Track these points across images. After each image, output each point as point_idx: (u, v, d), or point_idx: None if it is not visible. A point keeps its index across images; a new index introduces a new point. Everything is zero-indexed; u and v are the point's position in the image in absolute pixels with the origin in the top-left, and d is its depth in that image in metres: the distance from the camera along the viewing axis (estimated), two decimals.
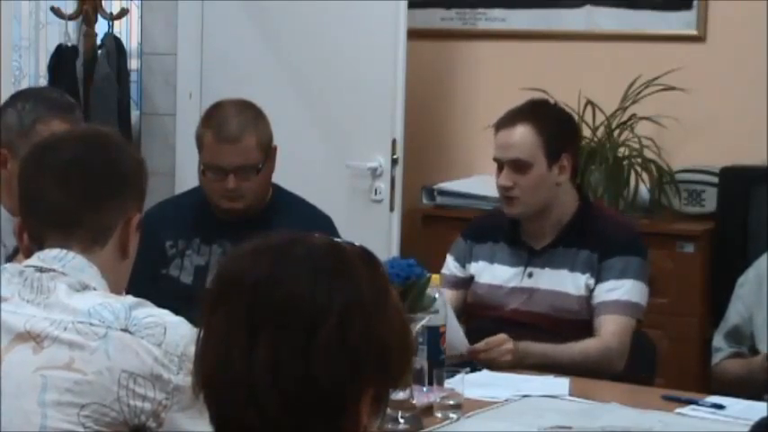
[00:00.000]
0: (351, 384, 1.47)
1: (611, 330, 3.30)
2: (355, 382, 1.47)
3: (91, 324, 1.92)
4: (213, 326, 1.49)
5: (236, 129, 3.41)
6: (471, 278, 3.53)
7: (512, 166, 3.37)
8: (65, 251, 2.02)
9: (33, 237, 2.07)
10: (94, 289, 2.01)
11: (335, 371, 1.45)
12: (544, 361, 3.22)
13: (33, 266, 2.02)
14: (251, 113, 3.48)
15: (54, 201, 2.06)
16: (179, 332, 1.94)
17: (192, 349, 1.86)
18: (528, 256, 3.45)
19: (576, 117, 4.73)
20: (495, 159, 3.43)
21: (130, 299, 1.99)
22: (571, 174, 3.44)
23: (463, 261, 3.55)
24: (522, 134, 3.36)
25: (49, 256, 2.02)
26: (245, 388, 1.45)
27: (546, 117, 3.42)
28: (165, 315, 1.97)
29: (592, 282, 3.36)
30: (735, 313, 3.33)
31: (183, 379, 1.90)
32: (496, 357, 3.20)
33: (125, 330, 1.92)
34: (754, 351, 3.26)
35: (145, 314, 1.95)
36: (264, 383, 1.44)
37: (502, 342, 3.21)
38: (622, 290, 3.33)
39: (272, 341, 1.45)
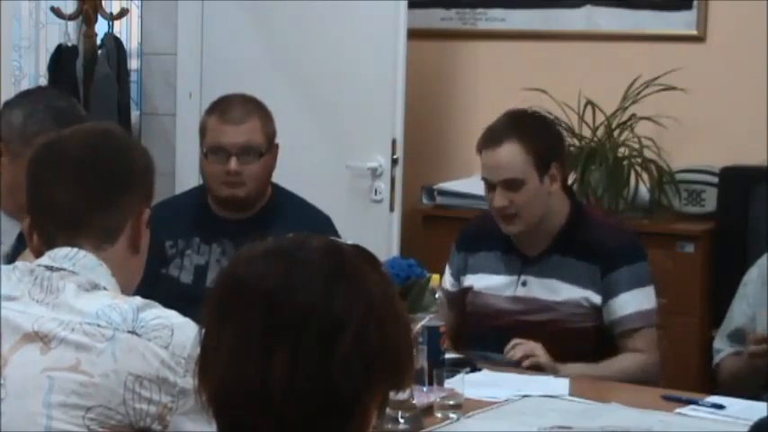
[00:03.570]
0: (366, 389, 1.47)
1: (643, 346, 3.32)
2: (370, 387, 1.47)
3: (98, 325, 1.91)
4: (223, 337, 1.47)
5: (240, 112, 3.48)
6: (467, 290, 3.51)
7: (504, 185, 3.32)
8: (75, 249, 2.01)
9: (44, 237, 2.07)
10: (104, 288, 2.00)
11: (353, 379, 1.44)
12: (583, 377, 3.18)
13: (44, 266, 2.01)
14: (256, 103, 3.54)
15: (63, 201, 2.05)
16: (185, 334, 1.93)
17: (197, 352, 1.88)
18: (522, 264, 3.42)
19: (576, 117, 4.74)
20: (485, 180, 3.39)
21: (138, 300, 1.98)
22: (561, 180, 3.42)
23: (458, 274, 3.54)
24: (509, 153, 3.30)
25: (60, 255, 2.01)
26: (259, 399, 1.44)
27: (530, 130, 3.35)
28: (173, 317, 1.97)
29: (597, 298, 3.33)
30: (739, 312, 3.32)
31: (189, 382, 1.88)
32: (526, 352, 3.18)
33: (132, 332, 1.91)
34: None
35: (152, 316, 1.94)
36: (280, 395, 1.43)
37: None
38: (638, 300, 3.33)
39: (289, 354, 1.43)
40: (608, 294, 3.33)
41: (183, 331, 1.94)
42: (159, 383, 1.90)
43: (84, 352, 1.90)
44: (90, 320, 1.92)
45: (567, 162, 3.59)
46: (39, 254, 2.06)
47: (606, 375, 3.22)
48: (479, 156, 3.39)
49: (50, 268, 2.00)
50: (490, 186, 3.37)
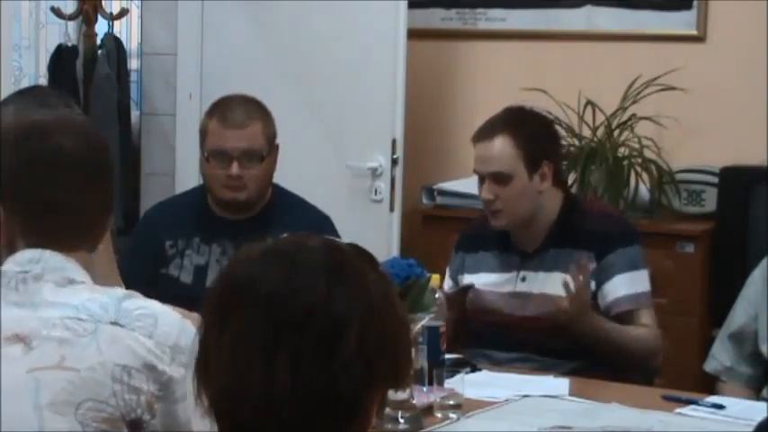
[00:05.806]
0: (367, 389, 1.47)
1: (648, 322, 3.36)
2: (371, 387, 1.48)
3: (79, 319, 1.88)
4: (224, 339, 1.47)
5: (241, 115, 3.46)
6: (467, 288, 3.51)
7: (492, 178, 3.35)
8: (39, 251, 1.95)
9: (32, 239, 1.97)
10: (82, 282, 1.96)
11: (354, 379, 1.45)
12: (596, 334, 3.25)
13: (14, 270, 1.94)
14: (256, 105, 3.54)
15: (73, 205, 1.97)
16: (169, 322, 1.91)
17: (183, 341, 1.87)
18: (520, 260, 3.43)
19: (576, 117, 4.74)
20: (476, 172, 3.41)
21: (120, 291, 1.96)
22: (554, 178, 3.42)
23: (456, 275, 3.55)
24: (500, 146, 3.34)
25: (24, 259, 1.95)
26: (261, 401, 1.44)
27: (523, 126, 3.39)
28: (155, 306, 1.95)
29: (592, 283, 3.34)
30: (741, 312, 3.32)
31: (176, 370, 1.88)
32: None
33: (115, 323, 1.89)
34: (755, 354, 3.26)
35: (135, 306, 1.92)
36: (282, 396, 1.43)
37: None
38: (632, 282, 3.35)
39: (291, 355, 1.43)
40: (602, 278, 3.35)
41: (166, 320, 1.92)
42: (147, 372, 1.88)
43: (68, 347, 1.86)
44: (70, 315, 1.89)
45: (561, 161, 3.61)
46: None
47: (622, 337, 3.28)
48: (474, 148, 3.42)
49: (23, 272, 1.93)
50: (481, 179, 3.39)
